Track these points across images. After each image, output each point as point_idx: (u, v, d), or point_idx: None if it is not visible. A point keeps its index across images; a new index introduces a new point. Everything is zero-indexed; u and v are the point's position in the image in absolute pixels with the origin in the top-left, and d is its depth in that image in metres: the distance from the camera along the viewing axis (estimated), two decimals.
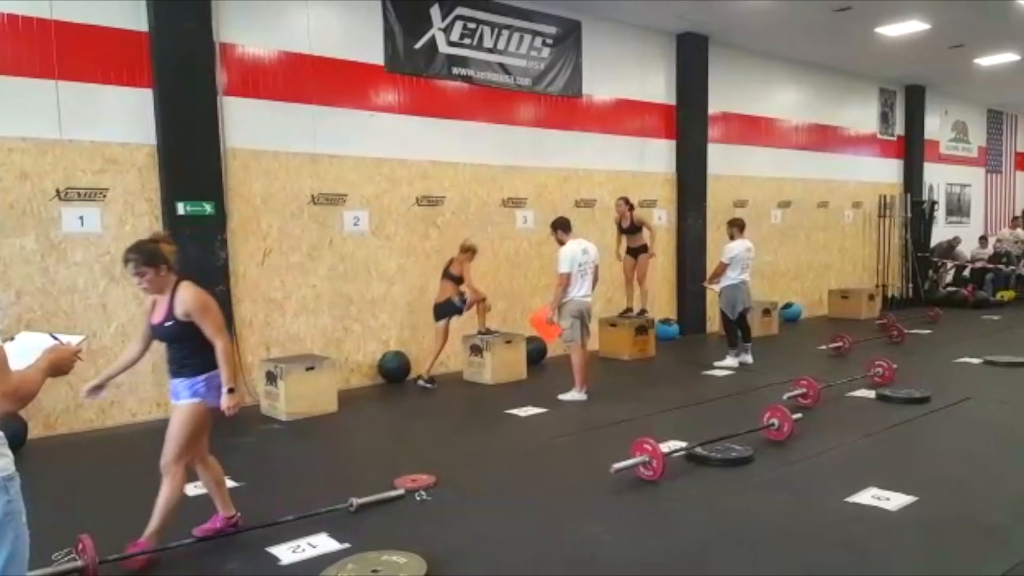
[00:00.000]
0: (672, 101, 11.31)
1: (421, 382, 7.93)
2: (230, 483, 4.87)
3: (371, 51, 8.25)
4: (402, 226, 8.52)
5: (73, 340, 2.42)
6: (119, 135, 6.68)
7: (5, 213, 6.12)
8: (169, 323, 3.66)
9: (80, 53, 6.44)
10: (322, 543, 3.89)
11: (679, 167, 11.45)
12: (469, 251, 8.08)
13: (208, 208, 6.99)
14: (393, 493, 4.56)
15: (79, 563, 3.33)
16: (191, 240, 6.87)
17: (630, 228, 9.64)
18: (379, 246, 8.35)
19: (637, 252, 9.71)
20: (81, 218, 6.48)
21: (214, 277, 7.01)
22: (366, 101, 8.25)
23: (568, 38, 10.02)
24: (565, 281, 7.15)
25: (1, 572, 2.08)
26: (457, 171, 8.99)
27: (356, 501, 4.34)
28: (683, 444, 5.38)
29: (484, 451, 5.76)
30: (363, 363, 8.25)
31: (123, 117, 6.69)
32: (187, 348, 3.68)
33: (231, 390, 3.70)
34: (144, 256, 3.61)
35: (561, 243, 7.31)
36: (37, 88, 6.25)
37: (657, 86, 11.15)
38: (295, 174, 7.71)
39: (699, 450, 5.25)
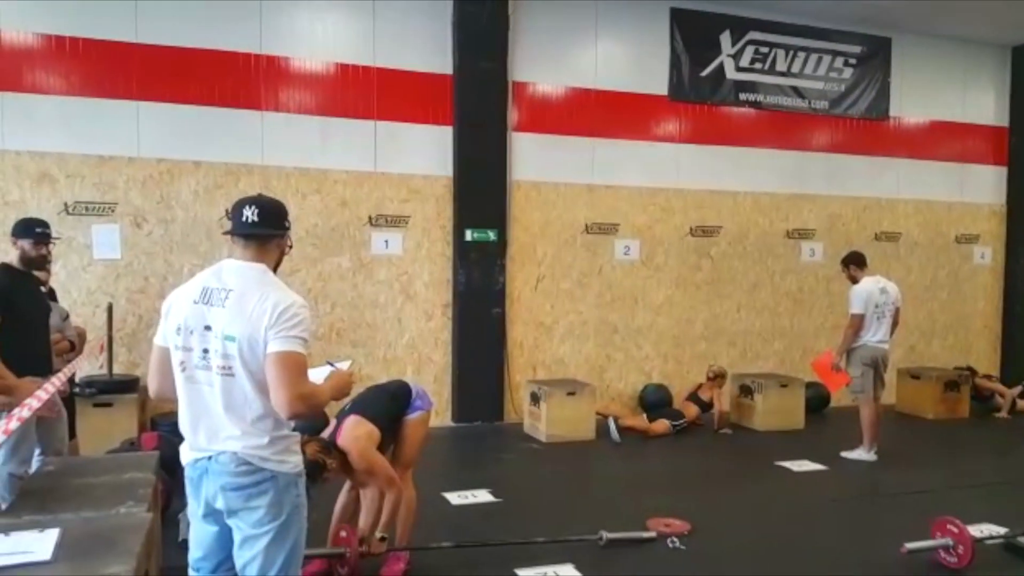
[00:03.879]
0: (1003, 122, 9.68)
1: (613, 430, 7.08)
2: (490, 497, 5.22)
3: (655, 82, 8.25)
4: (673, 256, 8.37)
5: (343, 365, 2.73)
6: (422, 168, 7.46)
7: (328, 235, 7.15)
8: None
9: (395, 95, 7.31)
10: (567, 575, 3.89)
11: (1011, 198, 9.75)
12: (720, 378, 7.74)
13: (492, 235, 7.50)
14: (645, 534, 4.44)
15: (341, 550, 3.70)
16: (475, 265, 7.44)
17: None
18: (648, 276, 8.30)
19: None
20: (386, 241, 7.35)
21: (493, 299, 7.53)
22: (645, 131, 8.27)
23: (875, 57, 9.08)
24: (857, 323, 6.41)
25: (286, 558, 2.40)
26: (736, 200, 8.60)
27: (606, 535, 4.29)
28: (1000, 530, 4.48)
29: (748, 504, 5.34)
30: (623, 393, 8.24)
31: (426, 152, 7.45)
32: None
33: None
34: None
35: (854, 280, 6.59)
36: (359, 127, 7.23)
37: (983, 105, 9.63)
38: (571, 204, 7.97)
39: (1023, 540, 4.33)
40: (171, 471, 4.19)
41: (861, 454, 6.50)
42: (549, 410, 6.96)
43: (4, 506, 3.17)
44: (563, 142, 7.92)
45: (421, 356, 7.51)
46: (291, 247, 2.58)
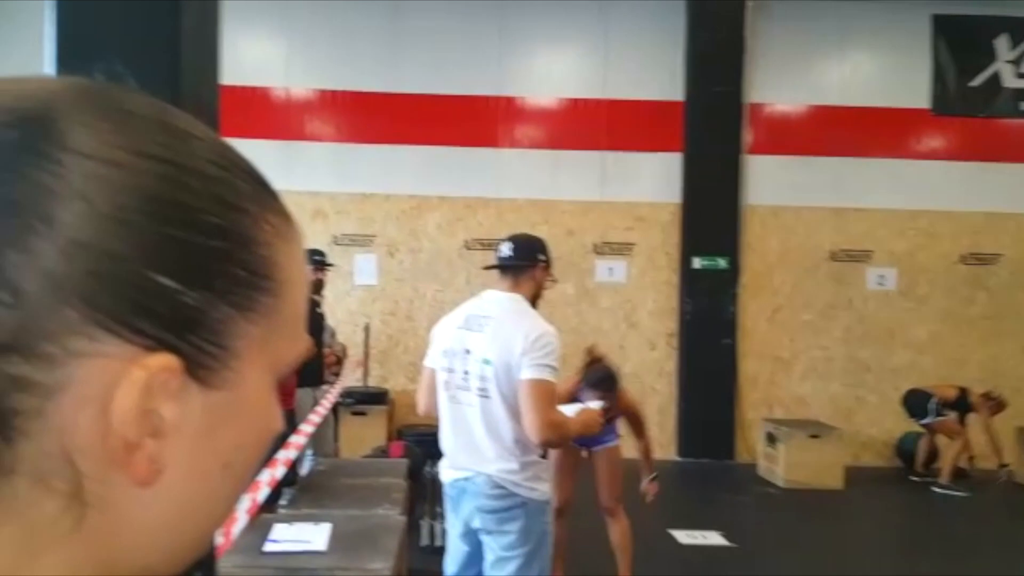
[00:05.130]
0: None
1: (938, 488, 6.39)
2: (722, 540, 4.93)
3: (913, 95, 7.47)
4: (939, 287, 7.38)
5: (595, 404, 2.80)
6: (648, 195, 7.41)
7: (554, 264, 7.32)
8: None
9: (623, 125, 7.38)
10: None
11: None
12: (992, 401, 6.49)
13: (722, 263, 7.20)
14: None
15: None
16: (704, 294, 7.18)
17: None
18: (908, 309, 7.39)
19: None
20: (610, 269, 7.37)
21: (722, 330, 7.19)
22: (903, 149, 7.48)
23: None
24: None
25: None
26: (1020, 224, 7.39)
27: None
28: None
29: None
30: (877, 439, 7.34)
31: (653, 179, 7.41)
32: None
33: None
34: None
35: None
36: (587, 158, 7.39)
37: None
38: (814, 229, 7.41)
39: None
40: (414, 478, 4.52)
41: None
42: (788, 453, 6.40)
43: (285, 501, 3.65)
44: (804, 163, 7.42)
45: (644, 386, 7.33)
46: (554, 280, 2.78)
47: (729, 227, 7.27)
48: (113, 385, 0.32)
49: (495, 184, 7.37)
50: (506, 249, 2.63)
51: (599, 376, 3.79)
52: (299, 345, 0.41)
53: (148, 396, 0.32)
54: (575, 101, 7.45)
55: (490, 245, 7.05)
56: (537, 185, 7.38)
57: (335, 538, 2.61)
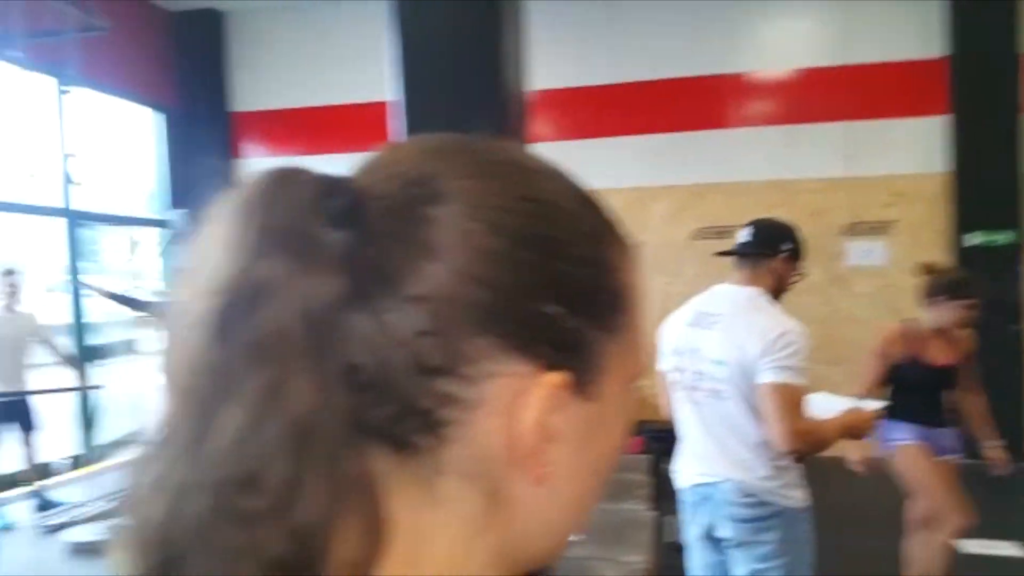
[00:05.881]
0: None
1: None
2: (1014, 551, 4.48)
3: None
4: None
5: (873, 404, 2.47)
6: (906, 167, 6.62)
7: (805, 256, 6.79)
8: (958, 365, 3.40)
9: (870, 91, 6.66)
10: None
11: None
12: None
13: (1003, 238, 6.24)
14: None
15: None
16: (983, 273, 6.22)
17: None
18: None
19: None
20: (866, 251, 6.66)
21: (1007, 315, 6.22)
22: None
23: None
24: None
25: None
26: None
27: None
28: None
29: None
30: None
31: (912, 148, 6.61)
32: (947, 394, 3.36)
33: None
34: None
35: None
36: (829, 131, 6.76)
37: None
38: None
39: None
40: (654, 474, 4.42)
41: None
42: None
43: None
44: None
45: None
46: (801, 275, 2.46)
47: (1011, 197, 6.29)
48: (517, 399, 0.37)
49: (724, 168, 6.99)
50: (745, 234, 2.40)
51: (955, 279, 3.27)
52: (643, 358, 0.44)
53: (546, 408, 0.37)
54: (811, 71, 6.85)
55: (721, 232, 6.71)
56: (773, 165, 6.88)
57: (588, 530, 2.58)
